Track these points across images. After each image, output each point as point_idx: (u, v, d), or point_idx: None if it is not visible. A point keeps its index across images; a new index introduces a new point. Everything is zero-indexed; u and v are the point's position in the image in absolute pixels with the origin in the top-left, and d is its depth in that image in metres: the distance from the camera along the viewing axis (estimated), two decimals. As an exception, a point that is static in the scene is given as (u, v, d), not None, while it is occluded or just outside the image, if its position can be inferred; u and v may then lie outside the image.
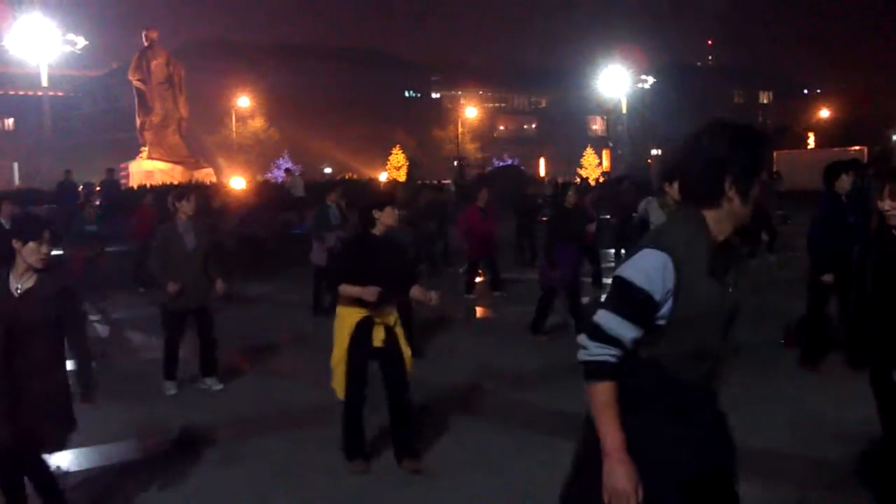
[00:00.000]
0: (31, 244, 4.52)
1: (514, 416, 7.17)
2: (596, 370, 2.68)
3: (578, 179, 30.97)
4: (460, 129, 74.62)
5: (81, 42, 42.76)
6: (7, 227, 10.58)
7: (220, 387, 8.30)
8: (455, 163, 54.33)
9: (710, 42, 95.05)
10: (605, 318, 2.69)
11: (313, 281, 12.67)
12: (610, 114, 72.58)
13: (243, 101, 66.41)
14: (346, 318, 5.83)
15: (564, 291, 10.24)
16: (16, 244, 4.53)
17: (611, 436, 2.66)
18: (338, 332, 5.87)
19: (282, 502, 5.48)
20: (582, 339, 2.71)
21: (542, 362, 9.01)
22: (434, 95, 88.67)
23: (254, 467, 6.05)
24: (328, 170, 61.30)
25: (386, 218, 5.92)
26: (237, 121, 66.40)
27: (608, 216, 17.72)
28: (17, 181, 52.32)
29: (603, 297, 2.72)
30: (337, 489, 5.61)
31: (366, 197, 6.37)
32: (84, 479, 5.88)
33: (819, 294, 7.96)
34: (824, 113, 72.28)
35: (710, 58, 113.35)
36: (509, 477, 5.68)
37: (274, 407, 7.77)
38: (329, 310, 12.44)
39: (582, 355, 2.71)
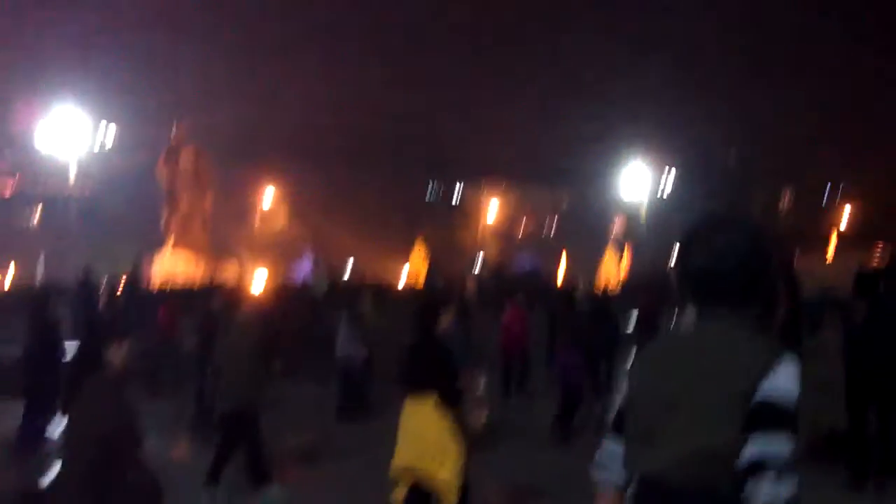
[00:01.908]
0: None
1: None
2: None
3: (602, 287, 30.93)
4: (481, 229, 74.96)
5: (112, 132, 43.57)
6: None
7: None
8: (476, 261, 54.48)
9: (732, 147, 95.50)
10: (791, 447, 2.40)
11: (341, 380, 12.69)
12: (631, 214, 72.81)
13: (269, 196, 67.32)
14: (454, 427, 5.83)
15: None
16: None
17: None
18: (455, 442, 5.80)
19: None
20: (779, 478, 2.35)
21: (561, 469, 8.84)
22: (456, 195, 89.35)
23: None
24: (349, 268, 61.47)
25: (446, 319, 6.03)
26: (262, 216, 67.17)
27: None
28: (41, 274, 52.67)
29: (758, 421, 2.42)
30: None
31: (423, 299, 6.48)
32: None
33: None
34: (847, 213, 72.18)
35: (731, 156, 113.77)
36: None
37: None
38: (357, 411, 12.52)
39: (785, 497, 2.34)
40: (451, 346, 6.16)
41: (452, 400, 5.90)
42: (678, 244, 2.70)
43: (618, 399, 2.85)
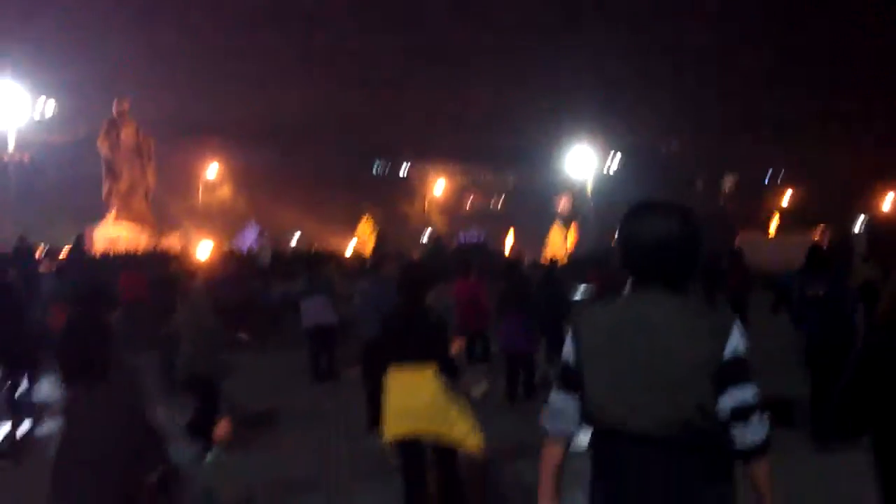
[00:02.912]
0: None
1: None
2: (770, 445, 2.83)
3: (549, 257, 31.04)
4: (428, 204, 75.00)
5: (51, 107, 42.66)
6: None
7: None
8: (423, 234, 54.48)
9: (671, 139, 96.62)
10: (758, 393, 2.78)
11: (310, 346, 12.76)
12: (576, 193, 73.31)
13: (212, 169, 66.54)
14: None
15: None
16: None
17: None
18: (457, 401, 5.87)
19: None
20: (761, 418, 2.77)
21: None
22: (403, 169, 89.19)
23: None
24: (296, 237, 61.22)
25: (433, 292, 6.16)
26: (205, 189, 66.40)
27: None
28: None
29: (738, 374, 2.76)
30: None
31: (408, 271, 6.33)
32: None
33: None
34: (787, 196, 73.61)
35: (673, 142, 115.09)
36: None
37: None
38: (333, 375, 12.53)
39: (767, 433, 2.78)
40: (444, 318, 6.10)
41: (453, 372, 5.89)
42: (618, 227, 2.97)
43: (566, 355, 2.96)
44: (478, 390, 7.03)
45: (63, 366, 4.73)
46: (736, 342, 2.73)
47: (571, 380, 2.93)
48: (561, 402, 2.98)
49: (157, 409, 4.84)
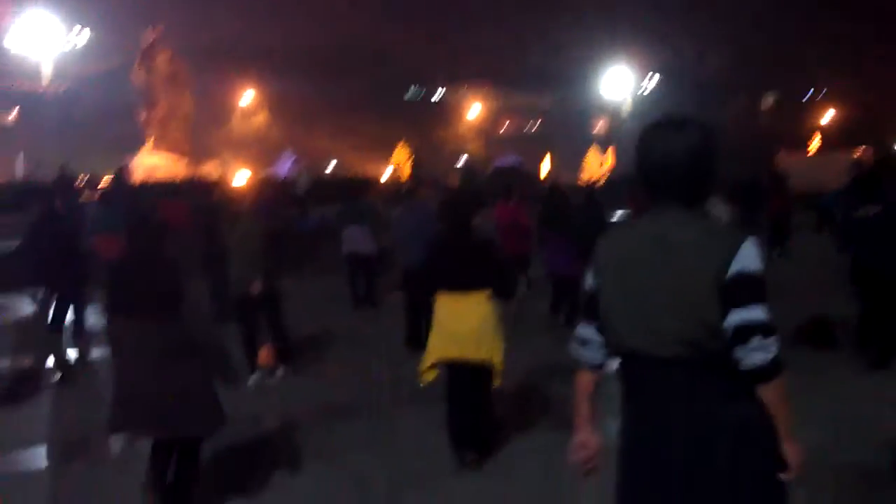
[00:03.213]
0: None
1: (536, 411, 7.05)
2: (781, 364, 2.72)
3: (588, 179, 30.93)
4: (463, 129, 74.53)
5: (86, 37, 42.66)
6: None
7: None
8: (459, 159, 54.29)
9: (710, 58, 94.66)
10: (768, 313, 2.69)
11: (349, 272, 12.92)
12: (613, 115, 72.51)
13: (247, 97, 66.53)
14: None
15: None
16: None
17: (790, 420, 2.77)
18: (499, 328, 5.94)
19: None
20: (765, 340, 2.66)
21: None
22: (437, 94, 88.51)
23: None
24: (332, 164, 61.29)
25: (478, 217, 6.15)
26: (240, 117, 66.49)
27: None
28: (20, 173, 52.08)
29: (743, 295, 2.68)
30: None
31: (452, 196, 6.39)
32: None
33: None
34: (828, 115, 72.31)
35: (711, 61, 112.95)
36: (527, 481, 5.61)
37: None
38: (372, 302, 12.69)
39: (772, 355, 2.68)
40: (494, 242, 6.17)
41: (510, 293, 5.99)
42: (636, 144, 2.91)
43: (587, 283, 2.98)
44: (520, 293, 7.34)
45: (118, 296, 4.76)
46: (744, 260, 2.67)
47: (594, 307, 2.95)
48: (586, 331, 3.01)
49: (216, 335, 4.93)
